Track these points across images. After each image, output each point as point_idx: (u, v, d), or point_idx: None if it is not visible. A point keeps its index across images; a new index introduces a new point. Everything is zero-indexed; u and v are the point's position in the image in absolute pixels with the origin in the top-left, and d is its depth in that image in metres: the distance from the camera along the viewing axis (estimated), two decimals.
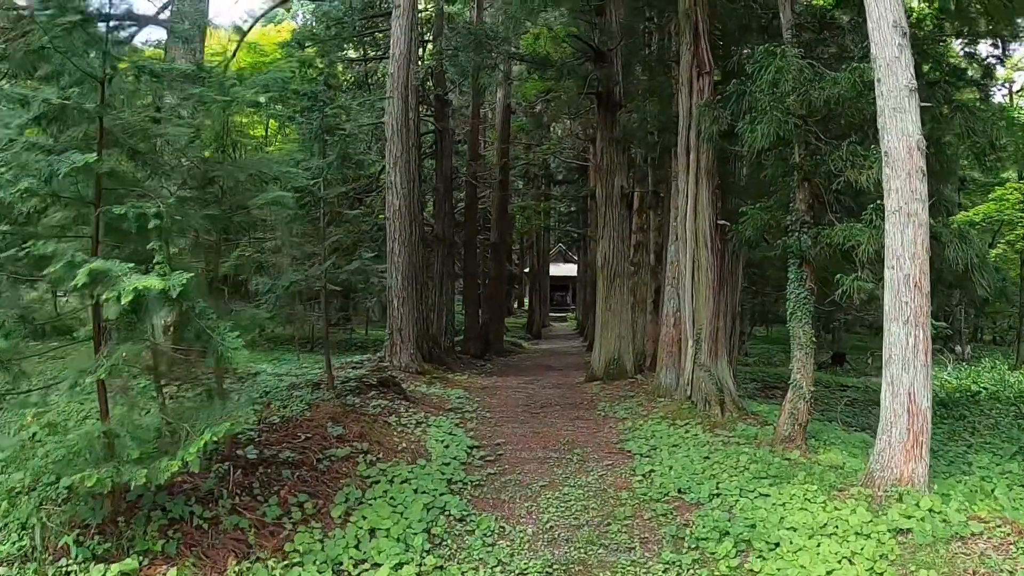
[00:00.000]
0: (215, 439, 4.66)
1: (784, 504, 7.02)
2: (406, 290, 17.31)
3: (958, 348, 32.03)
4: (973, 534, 6.16)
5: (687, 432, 10.25)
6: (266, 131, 32.12)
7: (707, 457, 8.88)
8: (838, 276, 8.89)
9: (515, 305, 59.14)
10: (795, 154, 9.81)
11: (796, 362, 9.73)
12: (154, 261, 4.55)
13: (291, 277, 9.09)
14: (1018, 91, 26.58)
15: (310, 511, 6.65)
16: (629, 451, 9.50)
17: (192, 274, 4.38)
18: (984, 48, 16.34)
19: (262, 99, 7.61)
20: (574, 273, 52.58)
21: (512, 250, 49.46)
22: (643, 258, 20.20)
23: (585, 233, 40.23)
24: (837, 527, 6.36)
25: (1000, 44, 15.94)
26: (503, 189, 29.27)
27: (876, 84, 7.75)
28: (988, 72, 18.17)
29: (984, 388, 22.20)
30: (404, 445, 9.07)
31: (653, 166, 20.33)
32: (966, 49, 18.94)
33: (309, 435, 8.64)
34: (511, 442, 10.17)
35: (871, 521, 6.37)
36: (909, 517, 6.39)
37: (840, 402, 19.49)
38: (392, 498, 7.18)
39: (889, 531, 6.22)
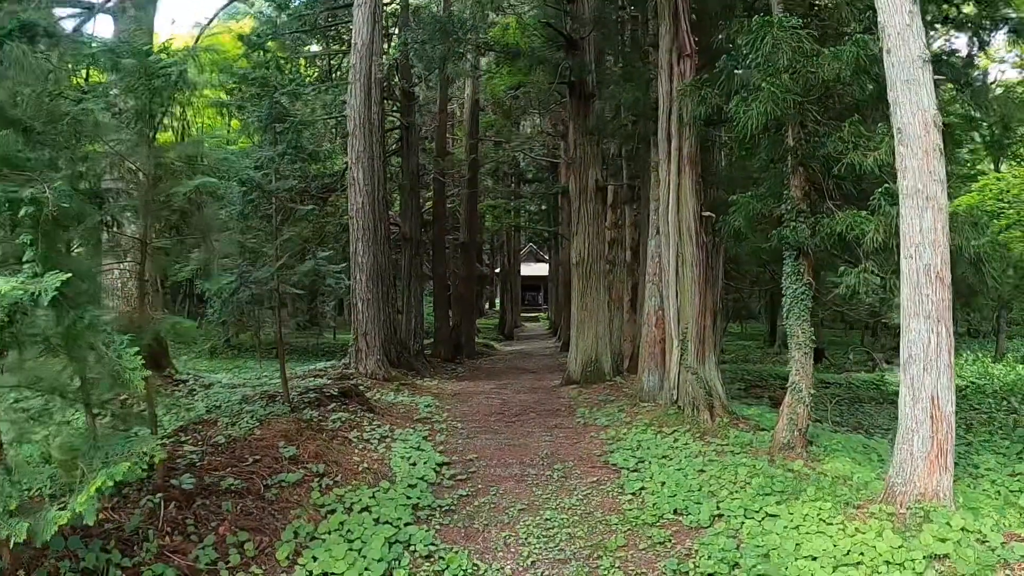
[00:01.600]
0: (112, 482, 3.69)
1: (797, 527, 6.18)
2: (371, 292, 16.34)
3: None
4: (1020, 558, 5.37)
5: (676, 441, 9.41)
6: (227, 129, 30.94)
7: (702, 470, 8.03)
8: (842, 269, 8.10)
9: (487, 306, 58.45)
10: (789, 137, 9.02)
11: (794, 363, 8.93)
12: (23, 259, 3.58)
13: (220, 281, 8.10)
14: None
15: (251, 553, 5.69)
16: (615, 465, 8.60)
17: (69, 275, 3.39)
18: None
19: (195, 76, 6.68)
20: (546, 272, 52.13)
21: (482, 250, 48.61)
22: (619, 254, 19.43)
23: (556, 231, 39.51)
24: (864, 555, 5.53)
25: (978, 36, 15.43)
26: (472, 187, 28.33)
27: (885, 56, 6.96)
28: (969, 63, 17.71)
29: (971, 382, 21.75)
30: (365, 465, 8.10)
31: (628, 159, 19.58)
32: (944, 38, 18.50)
33: (258, 457, 7.66)
34: (485, 456, 9.25)
35: (901, 547, 5.55)
36: (943, 540, 5.57)
37: (829, 401, 18.88)
38: (349, 531, 6.22)
39: (924, 558, 5.40)
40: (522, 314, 52.19)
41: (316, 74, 28.28)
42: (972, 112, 17.85)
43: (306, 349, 28.73)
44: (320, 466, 7.64)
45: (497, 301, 54.32)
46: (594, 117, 16.26)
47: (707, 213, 11.17)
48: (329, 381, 12.53)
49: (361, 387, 13.97)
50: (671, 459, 8.59)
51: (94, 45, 6.36)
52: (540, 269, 56.29)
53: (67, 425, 4.78)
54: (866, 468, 8.28)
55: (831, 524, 6.15)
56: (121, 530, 5.54)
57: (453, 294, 30.20)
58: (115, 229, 6.20)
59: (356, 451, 8.60)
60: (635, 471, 8.26)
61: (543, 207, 45.91)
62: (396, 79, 24.03)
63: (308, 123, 10.32)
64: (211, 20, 26.22)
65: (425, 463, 8.46)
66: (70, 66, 6.23)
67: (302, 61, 28.05)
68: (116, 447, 3.93)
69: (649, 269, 13.07)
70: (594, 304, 16.47)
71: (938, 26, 15.48)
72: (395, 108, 25.11)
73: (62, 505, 3.80)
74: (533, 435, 10.56)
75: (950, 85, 13.56)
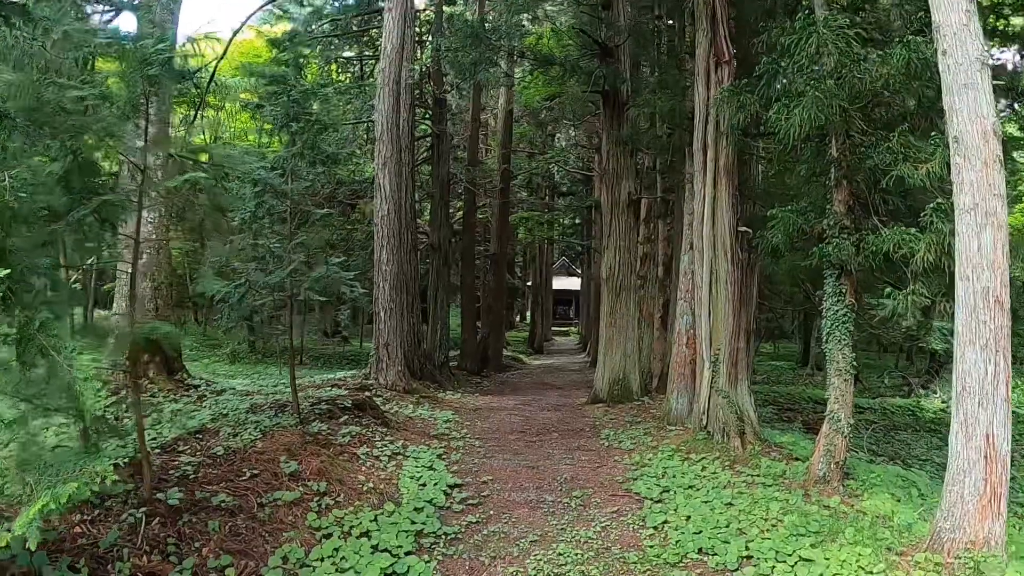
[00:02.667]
0: (57, 504, 3.27)
1: (835, 575, 5.59)
2: (394, 301, 15.96)
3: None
4: None
5: (704, 469, 8.82)
6: (260, 134, 30.87)
7: (730, 503, 7.45)
8: (887, 290, 7.50)
9: (517, 319, 58.04)
10: (833, 147, 8.44)
11: (833, 390, 8.31)
12: None
13: (212, 285, 7.72)
14: None
15: None
16: (637, 494, 8.03)
17: (9, 270, 2.99)
18: None
19: (225, 78, 6.33)
20: (577, 287, 51.69)
21: (514, 262, 48.26)
22: (650, 270, 18.82)
23: (589, 245, 38.96)
24: None
25: None
26: (504, 197, 27.90)
27: (940, 58, 6.38)
28: (1016, 76, 16.97)
29: (1013, 411, 20.68)
30: (371, 484, 7.64)
31: (662, 172, 19.01)
32: None
33: (256, 471, 7.25)
34: (500, 479, 8.73)
35: None
36: None
37: (864, 428, 18.06)
38: (343, 559, 5.76)
39: None
40: (553, 328, 51.68)
41: (348, 80, 28.18)
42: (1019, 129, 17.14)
43: (330, 357, 28.54)
44: (322, 484, 7.19)
45: (528, 314, 53.84)
46: (628, 127, 15.74)
47: (743, 228, 10.59)
48: (345, 392, 12.13)
49: (379, 399, 13.58)
50: (698, 489, 8.01)
51: (98, 33, 6.06)
52: (572, 283, 55.86)
53: (33, 437, 4.38)
54: (907, 507, 7.65)
55: (872, 574, 5.55)
56: (95, 546, 5.13)
57: (482, 306, 29.78)
58: (110, 226, 5.76)
59: (363, 468, 8.15)
60: (659, 501, 7.69)
61: (576, 220, 45.46)
62: (428, 86, 23.78)
63: (328, 124, 9.93)
64: (244, 22, 26.19)
65: (436, 484, 7.97)
66: (71, 55, 5.91)
67: (333, 67, 27.98)
68: (68, 464, 3.52)
69: (681, 286, 12.50)
70: (623, 320, 15.90)
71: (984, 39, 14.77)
72: (427, 116, 24.85)
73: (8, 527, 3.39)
74: (553, 457, 10.03)
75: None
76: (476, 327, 26.90)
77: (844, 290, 8.27)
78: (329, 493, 7.11)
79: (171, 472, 7.01)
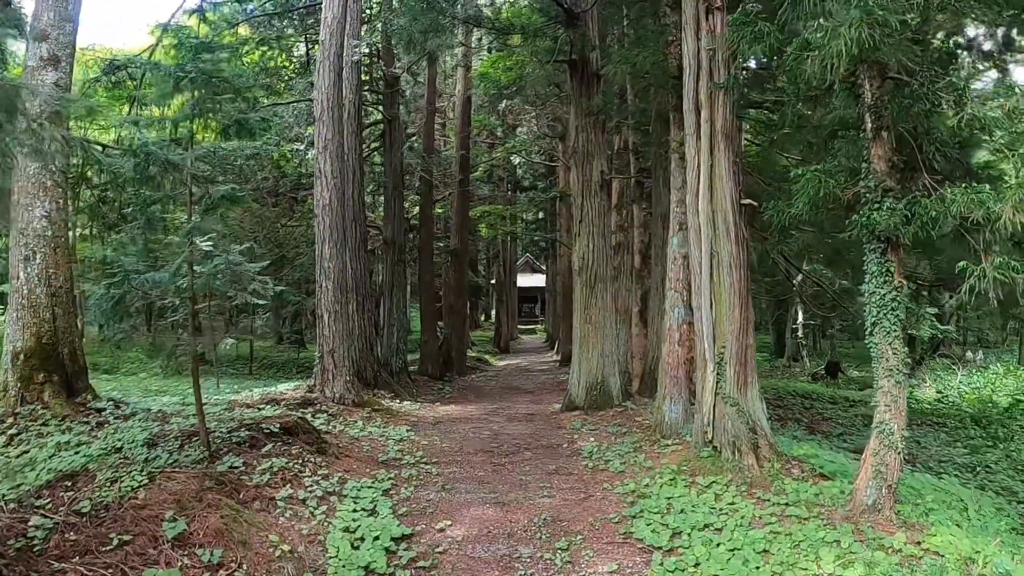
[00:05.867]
0: None
1: None
2: (340, 303, 13.96)
3: (968, 353, 29.52)
4: None
5: (717, 499, 7.02)
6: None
7: (765, 550, 5.67)
8: (961, 264, 5.76)
9: (482, 318, 56.37)
10: (866, 89, 6.71)
11: (883, 395, 6.56)
12: None
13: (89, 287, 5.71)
14: None
15: None
16: (640, 540, 6.16)
17: None
18: None
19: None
20: (542, 283, 50.33)
21: (477, 260, 46.46)
22: (625, 260, 17.11)
23: (554, 239, 37.27)
24: None
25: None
26: (464, 187, 25.97)
27: None
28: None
29: (1019, 399, 19.41)
30: (286, 547, 5.66)
31: (636, 151, 17.32)
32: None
33: (128, 537, 5.27)
34: (462, 522, 6.82)
35: None
36: None
37: (863, 426, 16.52)
38: None
39: None
40: (519, 326, 50.06)
41: (296, 68, 26.09)
42: None
43: (283, 365, 26.36)
44: (216, 551, 5.23)
45: (493, 313, 52.04)
46: (599, 97, 13.94)
47: (747, 201, 8.84)
48: (274, 413, 10.12)
49: (323, 415, 11.65)
50: (717, 530, 6.19)
51: None
52: (537, 280, 54.44)
53: None
54: (981, 540, 5.97)
55: None
56: None
57: (443, 305, 27.86)
58: None
59: (280, 521, 6.18)
60: (670, 552, 5.84)
61: (540, 215, 43.87)
62: (379, 67, 21.81)
63: (238, 89, 7.91)
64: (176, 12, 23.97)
65: (376, 538, 6.03)
66: None
67: (279, 56, 25.84)
68: None
69: (671, 274, 10.70)
70: (600, 316, 14.08)
71: None
72: (378, 101, 22.87)
73: None
74: (528, 486, 8.14)
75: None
76: (438, 328, 24.95)
77: (891, 268, 6.53)
78: (225, 565, 5.16)
79: (11, 542, 5.05)
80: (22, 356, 9.92)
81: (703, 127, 9.03)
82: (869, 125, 6.75)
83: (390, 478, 8.17)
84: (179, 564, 5.01)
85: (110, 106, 21.46)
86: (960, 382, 24.11)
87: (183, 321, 7.44)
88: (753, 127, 14.49)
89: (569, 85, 15.65)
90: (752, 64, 9.90)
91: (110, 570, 4.88)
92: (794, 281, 20.06)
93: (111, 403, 10.63)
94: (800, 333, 31.76)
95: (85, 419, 9.73)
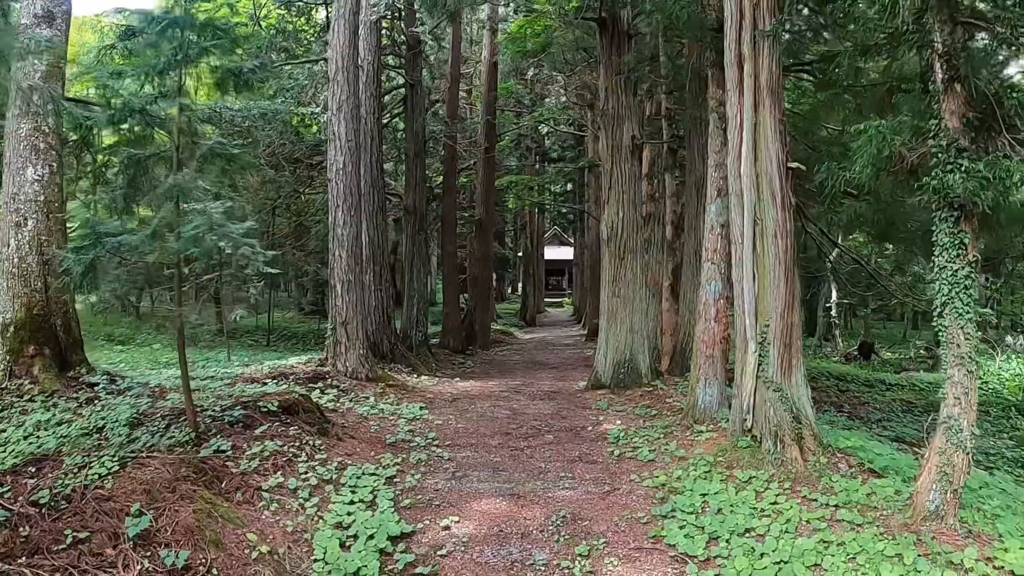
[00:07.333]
0: None
1: None
2: (353, 272, 13.27)
3: (1009, 338, 28.22)
4: None
5: (758, 497, 6.25)
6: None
7: (817, 564, 4.90)
8: None
9: (508, 291, 55.70)
10: (936, 36, 5.81)
11: (952, 386, 5.71)
12: None
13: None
14: None
15: None
16: (672, 546, 5.40)
17: None
18: None
19: None
20: (570, 256, 49.47)
21: (504, 231, 45.61)
22: (655, 231, 16.23)
23: (582, 210, 36.32)
24: None
25: None
26: (490, 154, 25.08)
27: None
28: None
29: None
30: (265, 548, 4.98)
31: (668, 116, 16.34)
32: None
33: (85, 535, 4.64)
34: (471, 518, 6.12)
35: None
36: None
37: (903, 412, 15.56)
38: None
39: None
40: (546, 299, 49.27)
41: (314, 31, 25.25)
42: None
43: (304, 336, 25.84)
44: (182, 553, 4.57)
45: (519, 285, 51.30)
46: (631, 54, 13.00)
47: (794, 164, 7.94)
48: (278, 390, 9.48)
49: (333, 390, 11.03)
50: (760, 535, 5.43)
51: None
52: (565, 252, 53.53)
53: None
54: None
55: None
56: None
57: (467, 277, 27.15)
58: None
59: (264, 516, 5.51)
60: (706, 563, 5.09)
61: (568, 187, 42.93)
62: (400, 24, 20.94)
63: (235, 37, 7.15)
64: None
65: (371, 538, 5.34)
66: None
67: (300, 19, 25.01)
68: None
69: (707, 244, 9.83)
70: (629, 290, 13.26)
71: None
72: (400, 65, 22.01)
73: None
74: (548, 475, 7.42)
75: None
76: (461, 300, 24.26)
77: (965, 240, 5.65)
78: (192, 569, 4.50)
79: None
80: (11, 328, 9.35)
81: (746, 81, 8.11)
82: (940, 76, 5.84)
83: (396, 463, 7.49)
84: (138, 568, 4.36)
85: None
86: (999, 368, 22.96)
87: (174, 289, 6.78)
88: (792, 90, 13.44)
89: (599, 45, 14.67)
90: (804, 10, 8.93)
91: (57, 573, 4.24)
92: (829, 256, 19.02)
93: (106, 377, 10.04)
94: (833, 312, 30.61)
95: (75, 395, 9.12)
